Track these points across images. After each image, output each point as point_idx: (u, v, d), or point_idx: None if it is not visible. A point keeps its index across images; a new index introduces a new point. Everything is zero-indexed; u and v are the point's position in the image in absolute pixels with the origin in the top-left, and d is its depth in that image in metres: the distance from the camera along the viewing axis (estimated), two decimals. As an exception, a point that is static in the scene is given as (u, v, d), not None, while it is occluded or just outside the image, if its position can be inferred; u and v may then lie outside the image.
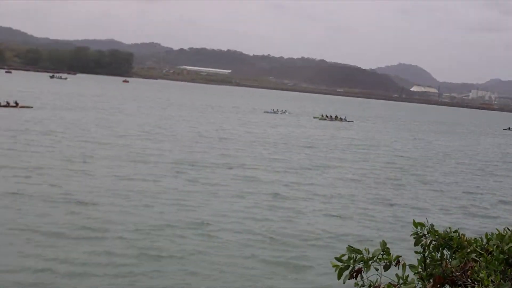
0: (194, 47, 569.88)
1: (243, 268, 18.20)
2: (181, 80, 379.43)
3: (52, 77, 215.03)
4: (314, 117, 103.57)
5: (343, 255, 3.82)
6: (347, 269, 3.80)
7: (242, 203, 27.24)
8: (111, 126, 54.84)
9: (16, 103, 60.28)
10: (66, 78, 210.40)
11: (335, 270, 3.81)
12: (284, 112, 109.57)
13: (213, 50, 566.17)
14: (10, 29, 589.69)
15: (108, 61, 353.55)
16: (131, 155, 38.39)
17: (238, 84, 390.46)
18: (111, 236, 20.23)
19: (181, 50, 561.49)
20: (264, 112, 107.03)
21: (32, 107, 62.09)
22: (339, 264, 3.81)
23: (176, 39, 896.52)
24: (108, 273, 16.80)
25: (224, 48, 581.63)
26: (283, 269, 18.50)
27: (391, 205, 30.19)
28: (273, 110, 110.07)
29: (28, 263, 16.94)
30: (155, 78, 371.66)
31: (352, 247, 3.86)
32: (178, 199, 26.77)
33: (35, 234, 19.68)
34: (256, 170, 37.20)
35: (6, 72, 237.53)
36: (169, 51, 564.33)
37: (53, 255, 17.74)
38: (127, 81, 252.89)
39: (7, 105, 59.35)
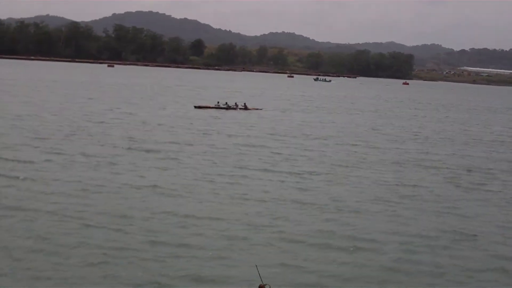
0: (475, 47, 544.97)
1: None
2: (462, 82, 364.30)
3: (316, 79, 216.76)
4: None
5: None
6: None
7: None
8: (378, 129, 50.74)
9: (245, 106, 59.95)
10: (330, 81, 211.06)
11: None
12: None
13: (494, 50, 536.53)
14: (293, 34, 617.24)
15: (389, 63, 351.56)
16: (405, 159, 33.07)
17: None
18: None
19: (462, 51, 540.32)
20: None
21: (261, 109, 61.33)
22: None
23: (457, 40, 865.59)
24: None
25: (507, 48, 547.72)
26: None
27: None
28: None
29: None
30: (435, 80, 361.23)
31: None
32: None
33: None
34: None
35: (288, 77, 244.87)
36: (450, 52, 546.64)
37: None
38: (407, 83, 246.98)
39: (235, 107, 59.29)
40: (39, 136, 33.19)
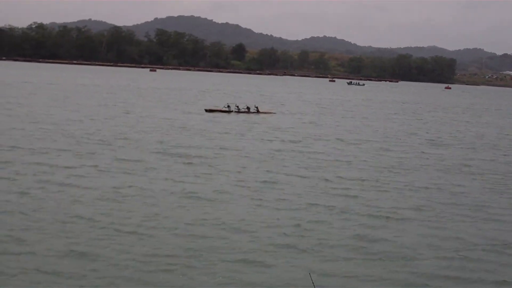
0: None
1: None
2: (504, 86, 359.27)
3: (350, 83, 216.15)
4: None
5: None
6: None
7: None
8: (416, 133, 49.38)
9: (257, 109, 58.65)
10: (363, 84, 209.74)
11: None
12: None
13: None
14: (334, 38, 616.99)
15: (430, 68, 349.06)
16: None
17: None
18: None
19: (505, 55, 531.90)
20: None
21: (274, 113, 60.10)
22: None
23: (499, 44, 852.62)
24: None
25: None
26: None
27: None
28: None
29: None
30: (477, 84, 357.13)
31: None
32: None
33: None
34: None
35: (330, 81, 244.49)
36: (492, 56, 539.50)
37: None
38: (449, 88, 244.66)
39: (247, 110, 58.00)
40: (75, 140, 33.09)
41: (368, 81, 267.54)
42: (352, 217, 19.85)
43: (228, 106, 58.02)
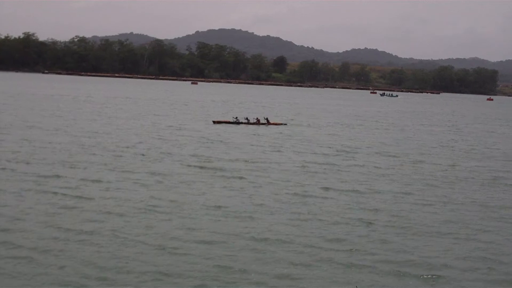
0: None
1: None
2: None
3: (382, 94, 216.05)
4: None
5: None
6: None
7: None
8: (453, 146, 48.44)
9: (267, 120, 57.80)
10: (397, 96, 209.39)
11: None
12: None
13: None
14: (375, 50, 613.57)
15: (472, 79, 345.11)
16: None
17: None
18: None
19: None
20: None
21: (285, 124, 58.96)
22: None
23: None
24: None
25: None
26: None
27: None
28: None
29: None
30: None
31: None
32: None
33: None
34: None
35: (371, 93, 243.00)
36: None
37: None
38: (491, 99, 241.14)
39: (256, 122, 57.17)
40: (107, 153, 33.37)
41: (408, 93, 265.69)
42: (401, 233, 19.55)
43: (237, 118, 57.31)
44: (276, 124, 58.22)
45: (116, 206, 21.03)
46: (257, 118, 58.19)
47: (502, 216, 22.58)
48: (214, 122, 57.01)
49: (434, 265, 16.36)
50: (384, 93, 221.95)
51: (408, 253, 17.33)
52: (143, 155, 33.40)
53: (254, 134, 48.08)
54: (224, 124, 55.53)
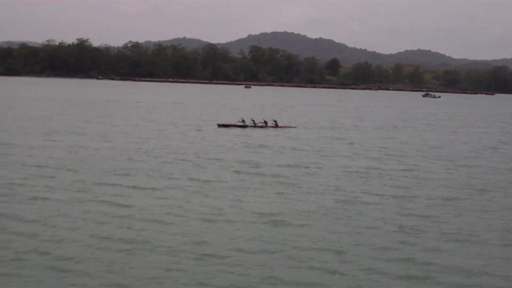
0: None
1: None
2: None
3: (425, 95, 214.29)
4: None
5: None
6: None
7: None
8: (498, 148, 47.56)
9: (276, 123, 56.80)
10: (439, 97, 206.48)
11: None
12: None
13: None
14: (429, 51, 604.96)
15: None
16: None
17: None
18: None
19: None
20: None
21: (295, 127, 57.94)
22: None
23: None
24: None
25: None
26: None
27: None
28: None
29: None
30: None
31: None
32: None
33: None
34: None
35: (424, 95, 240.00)
36: None
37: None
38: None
39: (264, 125, 56.42)
40: (154, 160, 33.58)
41: (463, 94, 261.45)
42: (448, 240, 19.19)
43: (243, 121, 56.32)
44: (285, 127, 57.16)
45: (165, 214, 21.09)
46: (264, 120, 57.49)
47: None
48: (219, 125, 55.79)
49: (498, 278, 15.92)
50: (427, 94, 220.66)
51: (466, 264, 16.81)
52: (188, 161, 33.60)
53: (295, 139, 47.82)
54: (231, 127, 54.99)
